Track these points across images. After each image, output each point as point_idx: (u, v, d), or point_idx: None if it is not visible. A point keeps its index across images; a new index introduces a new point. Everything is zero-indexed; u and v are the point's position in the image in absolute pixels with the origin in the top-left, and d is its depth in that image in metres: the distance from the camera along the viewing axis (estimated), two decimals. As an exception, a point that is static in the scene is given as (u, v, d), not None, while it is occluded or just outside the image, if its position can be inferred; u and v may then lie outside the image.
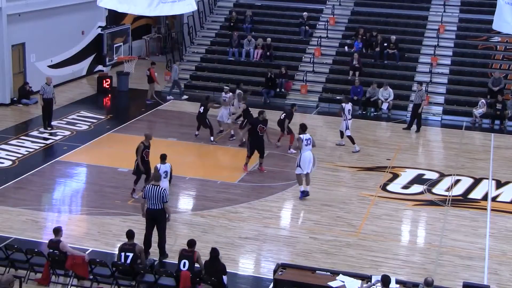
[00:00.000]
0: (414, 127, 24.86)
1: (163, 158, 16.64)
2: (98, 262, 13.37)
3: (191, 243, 13.26)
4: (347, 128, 22.36)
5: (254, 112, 21.59)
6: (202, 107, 22.74)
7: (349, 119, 22.38)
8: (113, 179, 19.45)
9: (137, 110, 26.76)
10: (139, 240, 14.29)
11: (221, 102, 23.50)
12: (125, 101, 29.26)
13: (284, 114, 22.16)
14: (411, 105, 27.25)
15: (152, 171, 16.49)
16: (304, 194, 18.25)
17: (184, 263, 13.05)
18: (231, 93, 23.70)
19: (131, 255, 13.31)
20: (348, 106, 22.42)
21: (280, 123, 22.13)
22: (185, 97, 28.53)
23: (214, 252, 13.08)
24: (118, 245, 13.85)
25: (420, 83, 25.65)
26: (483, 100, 26.20)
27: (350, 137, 22.41)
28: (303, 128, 18.29)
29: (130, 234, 13.60)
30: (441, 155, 23.07)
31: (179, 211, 17.55)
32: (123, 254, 13.35)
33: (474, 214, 17.90)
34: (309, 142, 18.07)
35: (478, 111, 26.09)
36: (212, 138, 22.67)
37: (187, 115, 25.95)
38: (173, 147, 21.76)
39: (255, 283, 14.31)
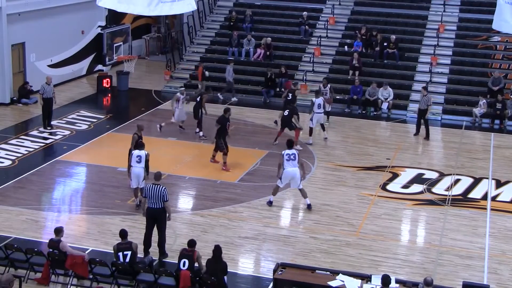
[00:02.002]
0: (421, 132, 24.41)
1: (139, 145, 17.26)
2: (98, 261, 13.37)
3: (192, 243, 13.26)
4: (311, 119, 22.75)
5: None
6: (199, 97, 22.86)
7: (317, 113, 22.63)
8: (113, 178, 19.44)
9: (137, 110, 26.75)
10: (138, 240, 14.31)
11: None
12: (125, 101, 29.27)
13: (288, 110, 22.09)
14: (411, 105, 27.33)
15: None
16: (308, 207, 17.59)
17: (184, 262, 13.05)
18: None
19: (129, 253, 13.32)
20: (318, 101, 22.71)
21: (285, 120, 21.97)
22: (235, 99, 27.90)
23: (218, 251, 13.06)
24: (113, 246, 13.80)
25: (425, 88, 25.02)
26: (484, 100, 26.19)
27: (311, 129, 22.78)
28: (288, 144, 17.60)
29: (123, 234, 13.60)
30: (441, 154, 23.07)
31: (179, 210, 17.55)
32: (121, 253, 13.35)
33: (474, 214, 17.90)
34: (292, 157, 17.16)
35: (479, 110, 26.06)
36: (197, 130, 23.04)
37: (187, 115, 25.91)
38: (173, 146, 21.77)
39: (255, 282, 14.31)
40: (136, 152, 17.02)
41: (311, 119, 22.80)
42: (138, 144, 17.48)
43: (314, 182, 19.60)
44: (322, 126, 23.29)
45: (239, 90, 29.05)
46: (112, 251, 13.62)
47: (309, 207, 17.53)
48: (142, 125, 19.26)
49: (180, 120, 23.20)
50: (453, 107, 27.23)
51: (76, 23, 30.37)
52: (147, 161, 17.01)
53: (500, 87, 27.04)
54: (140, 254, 14.27)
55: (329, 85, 24.84)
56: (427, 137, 23.98)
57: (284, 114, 22.04)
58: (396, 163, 21.39)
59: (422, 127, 24.12)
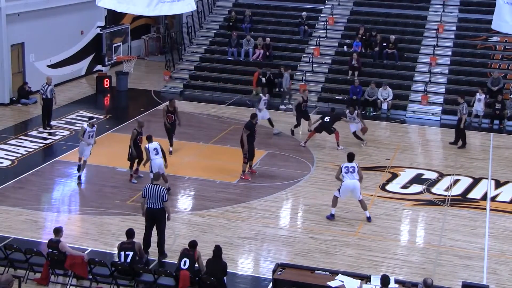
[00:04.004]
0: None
1: (149, 138, 18.19)
2: (97, 262, 13.38)
3: (193, 244, 13.25)
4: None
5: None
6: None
7: (259, 109, 23.24)
8: (112, 178, 19.45)
9: (136, 110, 26.74)
10: (138, 240, 14.29)
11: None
12: (124, 101, 29.26)
13: (329, 117, 22.49)
14: (410, 105, 27.39)
15: (144, 155, 18.49)
16: (368, 219, 17.15)
17: (185, 261, 13.05)
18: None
19: (131, 253, 13.32)
20: (265, 98, 23.57)
21: (325, 125, 22.44)
22: (290, 106, 27.18)
23: (218, 251, 13.07)
24: (118, 245, 13.84)
25: (462, 96, 23.78)
26: (484, 95, 25.85)
27: (269, 119, 23.72)
28: (348, 157, 17.34)
29: (130, 233, 13.61)
30: (440, 154, 23.07)
31: (178, 210, 17.56)
32: (122, 253, 13.36)
33: (473, 214, 17.91)
34: (351, 170, 16.97)
35: (480, 107, 25.80)
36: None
37: (186, 115, 25.94)
38: (172, 146, 21.74)
39: (254, 283, 14.31)
40: (151, 145, 17.97)
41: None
42: (147, 137, 18.26)
43: (314, 183, 19.61)
44: (270, 120, 23.84)
45: (238, 90, 29.07)
46: (112, 251, 13.63)
47: (368, 219, 17.06)
48: (143, 121, 19.69)
49: (83, 156, 19.36)
50: (453, 107, 27.14)
51: (75, 23, 30.37)
52: (162, 150, 18.12)
53: (499, 87, 27.05)
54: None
55: (356, 111, 23.36)
56: (461, 145, 23.29)
57: (325, 120, 22.43)
58: (396, 163, 21.40)
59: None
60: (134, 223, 16.11)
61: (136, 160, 19.21)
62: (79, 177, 19.15)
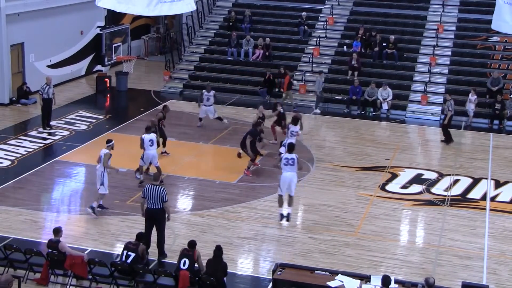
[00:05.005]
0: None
1: (147, 129, 18.87)
2: (97, 262, 13.38)
3: (192, 244, 13.27)
4: (205, 111, 23.89)
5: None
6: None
7: (206, 105, 23.79)
8: (112, 179, 19.36)
9: (136, 110, 26.74)
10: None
11: None
12: (124, 101, 29.26)
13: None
14: (410, 105, 27.40)
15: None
16: (287, 217, 16.86)
17: (185, 261, 13.06)
18: None
19: (132, 255, 13.33)
20: (208, 94, 23.83)
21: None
22: (318, 111, 27.10)
23: (219, 251, 13.07)
24: (117, 245, 13.90)
25: (449, 94, 24.60)
26: (475, 96, 25.92)
27: (218, 118, 24.15)
28: (289, 148, 17.03)
29: (139, 236, 13.69)
30: (440, 154, 23.07)
31: (178, 211, 17.56)
32: (125, 252, 13.37)
33: (473, 214, 17.92)
34: (291, 162, 16.48)
35: (470, 107, 25.91)
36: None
37: (186, 115, 25.97)
38: (172, 147, 21.74)
39: (254, 283, 14.32)
40: (147, 136, 18.58)
41: (206, 111, 24.05)
42: (146, 128, 18.93)
43: (313, 183, 19.62)
44: (219, 118, 24.16)
45: (238, 90, 29.08)
46: (111, 251, 13.64)
47: (288, 216, 16.71)
48: (169, 107, 21.73)
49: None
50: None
51: (75, 24, 30.36)
52: (158, 141, 18.98)
53: (499, 87, 27.06)
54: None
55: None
56: (446, 142, 23.65)
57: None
58: (395, 163, 21.40)
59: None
60: (134, 223, 16.13)
61: (162, 141, 20.74)
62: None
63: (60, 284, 13.69)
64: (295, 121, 20.47)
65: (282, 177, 16.67)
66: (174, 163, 20.79)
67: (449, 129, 23.72)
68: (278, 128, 22.75)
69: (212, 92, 24.18)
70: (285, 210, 16.90)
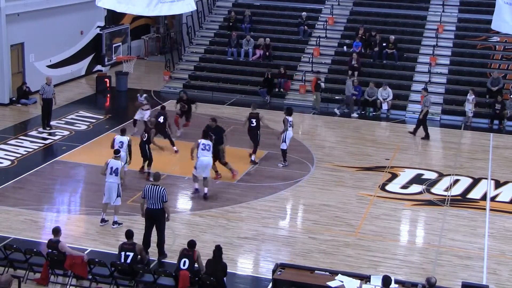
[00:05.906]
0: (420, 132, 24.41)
1: (122, 131, 18.97)
2: (97, 262, 13.38)
3: (192, 243, 13.26)
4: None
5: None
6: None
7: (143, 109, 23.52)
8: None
9: (136, 110, 26.64)
10: (138, 240, 14.29)
11: None
12: (124, 101, 29.25)
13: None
14: (410, 105, 27.39)
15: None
16: (205, 196, 18.22)
17: (184, 261, 13.06)
18: None
19: (131, 254, 13.33)
20: (141, 99, 23.68)
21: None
22: (355, 115, 26.71)
23: (219, 251, 13.07)
24: (117, 245, 13.86)
25: (425, 89, 25.19)
26: (473, 96, 25.95)
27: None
28: (203, 134, 18.42)
29: (129, 234, 13.63)
30: (440, 155, 23.08)
31: (177, 211, 17.56)
32: (123, 253, 13.37)
33: (473, 214, 17.91)
34: (207, 148, 18.04)
35: (467, 107, 25.94)
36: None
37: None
38: (171, 147, 21.73)
39: (254, 283, 14.31)
40: (118, 138, 18.59)
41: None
42: (121, 130, 19.04)
43: (313, 182, 19.61)
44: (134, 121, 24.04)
45: (238, 90, 29.08)
46: (111, 251, 13.63)
47: (205, 196, 18.07)
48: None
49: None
50: (452, 108, 27.23)
51: (75, 24, 30.36)
52: (129, 147, 18.60)
53: (499, 87, 27.06)
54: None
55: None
56: (423, 137, 24.11)
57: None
58: (395, 164, 21.40)
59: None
60: (134, 223, 16.12)
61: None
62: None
63: (60, 284, 13.69)
64: (290, 112, 20.74)
65: (199, 161, 18.05)
66: (174, 163, 20.78)
67: (423, 125, 23.97)
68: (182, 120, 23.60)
69: (144, 96, 23.84)
70: (204, 190, 18.13)
